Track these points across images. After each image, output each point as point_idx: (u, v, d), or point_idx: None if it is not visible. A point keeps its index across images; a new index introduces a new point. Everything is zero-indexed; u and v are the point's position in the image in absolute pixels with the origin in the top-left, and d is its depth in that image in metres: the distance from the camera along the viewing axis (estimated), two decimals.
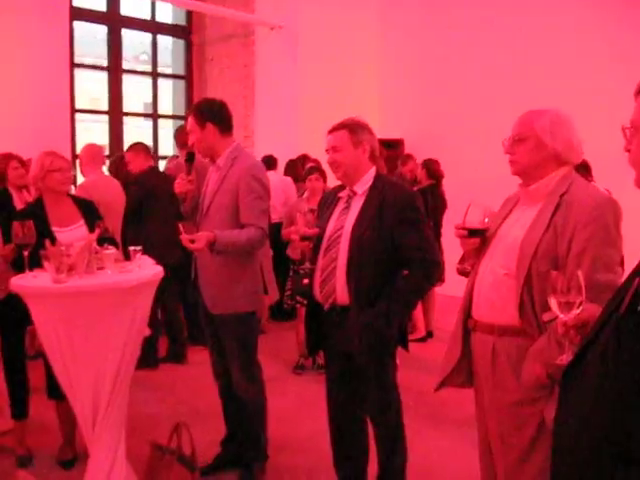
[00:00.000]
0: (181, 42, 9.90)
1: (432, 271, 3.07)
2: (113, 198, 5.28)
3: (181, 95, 9.98)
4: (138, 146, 5.96)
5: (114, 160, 6.80)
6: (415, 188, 6.15)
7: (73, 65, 8.18)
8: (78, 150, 5.89)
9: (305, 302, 3.60)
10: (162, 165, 8.07)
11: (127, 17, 9.15)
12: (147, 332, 3.28)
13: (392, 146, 8.49)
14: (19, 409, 3.91)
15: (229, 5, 8.92)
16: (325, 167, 4.03)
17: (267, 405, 3.62)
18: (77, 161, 5.70)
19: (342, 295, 2.96)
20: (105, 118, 9.06)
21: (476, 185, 6.52)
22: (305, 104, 8.65)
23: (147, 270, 3.22)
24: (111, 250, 3.18)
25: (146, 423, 4.26)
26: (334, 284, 2.97)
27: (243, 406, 3.54)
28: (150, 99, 9.63)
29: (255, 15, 9.07)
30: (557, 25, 7.58)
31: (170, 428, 3.19)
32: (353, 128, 3.04)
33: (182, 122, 7.65)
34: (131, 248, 3.24)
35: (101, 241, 3.30)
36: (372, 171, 3.08)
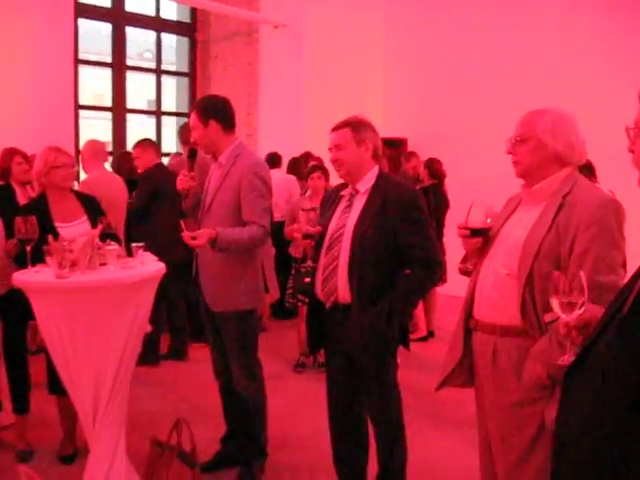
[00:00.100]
0: (185, 40, 9.90)
1: (434, 270, 3.06)
2: (116, 194, 5.29)
3: (185, 92, 9.99)
4: (146, 142, 5.99)
5: (117, 156, 6.82)
6: (417, 187, 6.15)
7: (77, 62, 8.21)
8: (82, 146, 5.89)
9: (306, 300, 3.59)
10: (164, 162, 8.07)
11: (131, 14, 9.16)
12: (148, 328, 3.28)
13: (395, 145, 8.50)
14: (20, 404, 3.92)
15: (233, 3, 8.92)
16: (328, 165, 4.03)
17: (267, 403, 3.63)
18: (79, 157, 5.69)
19: (344, 293, 2.96)
20: (109, 115, 9.07)
21: (478, 185, 6.53)
22: (308, 102, 8.65)
23: (149, 266, 3.22)
24: (113, 246, 3.18)
25: (147, 419, 4.26)
26: (336, 282, 2.97)
27: (243, 404, 3.55)
28: (154, 96, 9.65)
29: (259, 13, 9.08)
30: (561, 25, 7.58)
31: (170, 425, 3.19)
32: (356, 126, 3.04)
33: (186, 119, 7.64)
34: (133, 244, 3.24)
35: (103, 237, 3.31)
36: (375, 170, 3.08)
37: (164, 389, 5.11)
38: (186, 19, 9.88)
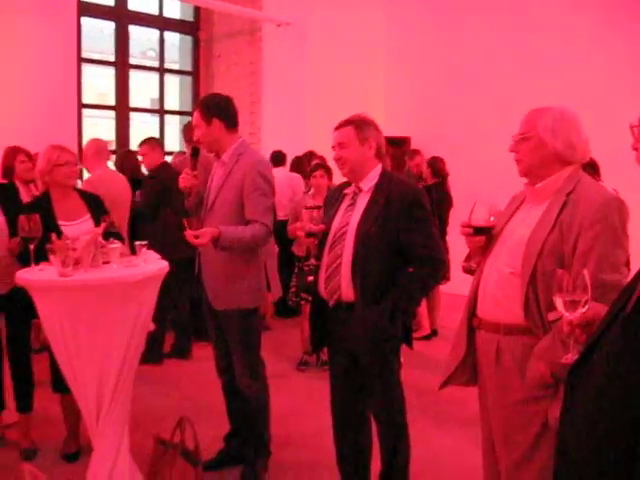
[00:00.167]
0: (188, 38, 9.90)
1: (437, 269, 3.06)
2: (119, 192, 5.28)
3: (188, 91, 9.99)
4: (153, 141, 6.01)
5: (121, 155, 6.82)
6: (421, 185, 6.15)
7: (80, 60, 8.21)
8: (84, 145, 5.91)
9: (310, 299, 3.59)
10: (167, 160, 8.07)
11: (135, 13, 9.17)
12: (152, 327, 3.28)
13: (398, 144, 8.49)
14: (24, 402, 3.93)
15: (236, 2, 8.92)
16: (331, 164, 4.02)
17: (270, 401, 3.62)
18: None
19: (347, 292, 2.96)
20: (112, 113, 9.08)
21: (481, 183, 6.53)
22: (311, 101, 8.65)
23: (152, 264, 3.22)
24: (117, 244, 3.19)
25: (150, 417, 4.27)
26: (339, 281, 2.97)
27: (246, 402, 3.55)
28: (157, 95, 9.65)
29: (262, 12, 9.08)
30: (563, 24, 7.57)
31: (174, 423, 3.20)
32: (359, 125, 3.04)
33: (189, 118, 7.65)
34: (137, 242, 3.25)
35: (107, 235, 3.31)
36: (378, 168, 3.08)
37: (168, 387, 5.12)
38: (189, 18, 9.88)
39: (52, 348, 3.14)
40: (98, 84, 12.69)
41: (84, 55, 8.59)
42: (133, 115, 9.37)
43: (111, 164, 6.40)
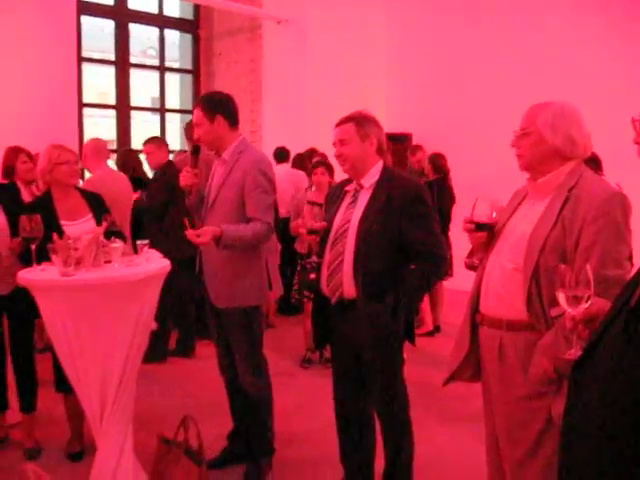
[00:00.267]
0: (188, 36, 9.90)
1: (438, 265, 3.06)
2: (120, 191, 5.28)
3: (188, 89, 9.99)
4: (159, 140, 6.02)
5: (122, 154, 6.81)
6: (422, 181, 6.14)
7: (81, 59, 8.21)
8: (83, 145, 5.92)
9: (312, 296, 3.59)
10: None
11: (134, 11, 9.16)
12: (154, 326, 3.28)
13: (399, 140, 8.48)
14: (27, 402, 3.93)
15: None
16: (332, 161, 4.02)
17: (274, 399, 3.62)
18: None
19: (349, 289, 2.95)
20: (113, 112, 9.08)
21: (483, 179, 6.52)
22: (312, 98, 8.64)
23: (154, 263, 3.22)
24: (118, 243, 3.18)
25: (154, 416, 4.27)
26: (341, 278, 2.97)
27: (249, 400, 3.55)
28: (157, 93, 9.65)
29: (262, 9, 9.07)
30: (566, 21, 7.55)
31: (177, 422, 3.19)
32: (360, 121, 3.03)
33: (189, 116, 7.64)
34: (138, 242, 3.24)
35: (108, 234, 3.31)
36: (379, 164, 3.07)
37: (171, 386, 5.12)
38: (189, 16, 9.88)
39: (55, 348, 3.14)
40: (98, 83, 12.70)
41: (84, 54, 8.60)
42: (134, 114, 9.37)
43: (112, 163, 6.40)
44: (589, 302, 1.74)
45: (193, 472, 3.07)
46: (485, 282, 2.41)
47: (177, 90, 10.51)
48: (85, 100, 8.56)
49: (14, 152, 4.52)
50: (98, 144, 5.48)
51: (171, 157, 7.17)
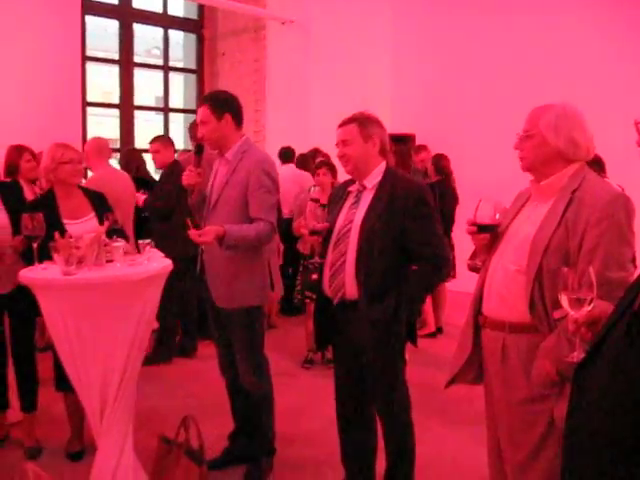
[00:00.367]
0: (193, 36, 9.90)
1: (440, 266, 3.05)
2: (122, 191, 5.28)
3: (192, 89, 9.99)
4: (166, 139, 6.01)
5: (125, 153, 6.81)
6: (425, 181, 6.14)
7: (85, 58, 8.22)
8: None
9: (314, 297, 3.59)
10: None
11: (139, 11, 9.16)
12: (155, 325, 3.27)
13: (403, 141, 8.47)
14: (28, 401, 3.92)
15: None
16: (336, 161, 4.01)
17: (275, 399, 3.62)
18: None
19: (351, 289, 2.95)
20: (116, 112, 9.08)
21: (487, 181, 6.51)
22: (316, 98, 8.63)
23: (156, 263, 3.21)
24: (120, 242, 3.18)
25: (154, 416, 4.27)
26: (343, 278, 2.96)
27: (250, 400, 3.54)
28: (161, 93, 9.65)
29: (266, 9, 9.06)
30: (571, 21, 7.54)
31: (178, 421, 3.19)
32: (363, 122, 3.02)
33: (193, 116, 7.64)
34: (140, 241, 3.24)
35: (110, 233, 3.30)
36: (382, 165, 3.06)
37: (172, 386, 5.12)
38: (193, 16, 9.88)
39: (56, 347, 3.14)
40: (102, 82, 12.71)
41: (88, 53, 8.59)
42: (137, 113, 9.37)
43: (115, 162, 6.40)
44: (592, 305, 1.73)
45: (193, 472, 3.06)
46: (488, 284, 2.40)
47: (181, 90, 10.51)
48: (89, 99, 8.57)
49: (18, 150, 4.52)
50: (100, 143, 5.48)
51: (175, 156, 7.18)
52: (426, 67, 9.02)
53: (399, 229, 2.92)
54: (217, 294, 3.46)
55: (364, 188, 3.05)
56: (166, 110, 9.60)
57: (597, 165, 3.99)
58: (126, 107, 9.00)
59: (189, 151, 6.80)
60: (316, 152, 7.40)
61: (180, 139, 9.75)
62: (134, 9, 9.04)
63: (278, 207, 3.85)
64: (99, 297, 2.96)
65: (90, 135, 7.82)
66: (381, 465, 3.19)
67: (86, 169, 5.70)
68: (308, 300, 5.44)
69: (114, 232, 3.35)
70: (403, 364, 3.11)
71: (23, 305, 3.57)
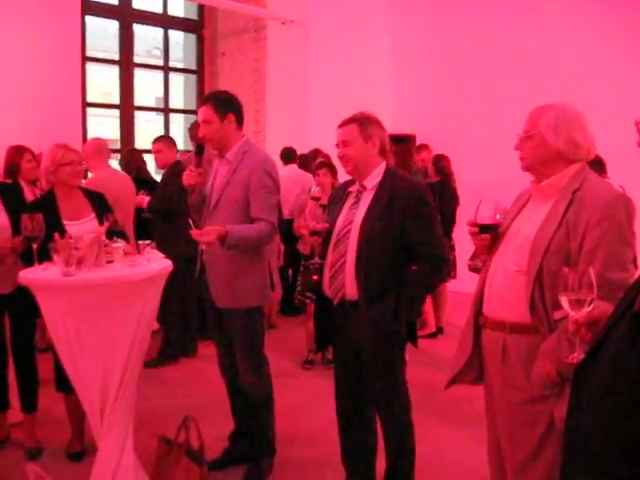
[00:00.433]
0: (193, 36, 9.89)
1: (440, 267, 3.05)
2: (122, 191, 5.27)
3: (192, 89, 9.98)
4: (169, 139, 6.01)
5: (125, 154, 6.81)
6: (425, 182, 6.14)
7: (85, 59, 8.21)
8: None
9: (314, 297, 3.58)
10: None
11: (139, 11, 9.15)
12: (155, 326, 3.27)
13: (403, 141, 8.47)
14: (28, 402, 3.92)
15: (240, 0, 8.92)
16: (336, 162, 4.01)
17: (275, 400, 3.62)
18: None
19: (351, 290, 2.95)
20: (116, 112, 9.08)
21: (487, 181, 6.50)
22: (317, 99, 8.63)
23: (156, 263, 3.21)
24: (120, 243, 3.18)
25: (154, 417, 4.26)
26: (343, 279, 2.96)
27: (250, 400, 3.54)
28: (161, 93, 9.64)
29: (267, 9, 9.06)
30: (570, 22, 7.54)
31: (178, 422, 3.19)
32: (363, 122, 3.02)
33: (193, 117, 7.64)
34: (140, 242, 3.23)
35: (110, 234, 3.30)
36: (382, 166, 3.06)
37: (172, 386, 5.12)
38: (193, 16, 9.87)
39: (56, 348, 3.14)
40: (102, 83, 12.69)
41: (88, 54, 8.59)
42: (138, 114, 9.36)
43: (115, 163, 6.40)
44: (592, 305, 1.73)
45: (194, 473, 3.06)
46: (488, 284, 2.40)
47: (181, 90, 10.50)
48: (89, 100, 8.56)
49: (18, 151, 4.52)
50: (99, 144, 5.48)
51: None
52: (426, 67, 9.01)
53: (399, 229, 2.92)
54: (217, 294, 3.46)
55: (364, 188, 3.05)
56: (166, 110, 9.60)
57: (598, 165, 3.99)
58: (126, 108, 8.99)
59: (189, 152, 6.79)
60: (316, 152, 7.40)
61: (180, 139, 9.74)
62: (134, 9, 9.03)
63: (279, 207, 3.85)
64: (99, 298, 2.96)
65: (90, 136, 7.82)
66: (381, 465, 3.19)
67: (86, 170, 5.70)
68: (308, 300, 5.44)
69: (114, 233, 3.35)
70: (403, 364, 3.11)
71: (23, 306, 3.56)
